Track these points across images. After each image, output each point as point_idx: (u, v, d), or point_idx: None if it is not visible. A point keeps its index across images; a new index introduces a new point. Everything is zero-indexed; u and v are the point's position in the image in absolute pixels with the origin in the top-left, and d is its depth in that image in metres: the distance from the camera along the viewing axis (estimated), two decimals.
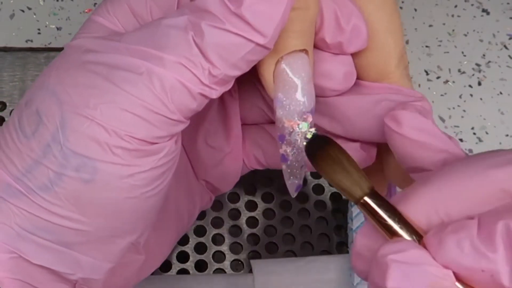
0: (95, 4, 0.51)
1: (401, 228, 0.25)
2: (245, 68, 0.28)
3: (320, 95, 0.32)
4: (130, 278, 0.34)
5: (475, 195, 0.24)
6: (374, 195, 0.26)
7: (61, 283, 0.29)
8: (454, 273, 0.24)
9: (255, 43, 0.27)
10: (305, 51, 0.29)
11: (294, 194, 0.32)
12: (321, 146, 0.28)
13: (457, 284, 0.24)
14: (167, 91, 0.26)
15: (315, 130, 0.30)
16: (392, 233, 0.25)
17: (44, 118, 0.27)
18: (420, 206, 0.25)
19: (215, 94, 0.28)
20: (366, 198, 0.26)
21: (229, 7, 0.26)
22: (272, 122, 0.38)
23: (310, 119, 0.30)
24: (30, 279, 0.28)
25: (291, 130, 0.30)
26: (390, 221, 0.25)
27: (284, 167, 0.31)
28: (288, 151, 0.30)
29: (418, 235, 0.25)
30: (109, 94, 0.27)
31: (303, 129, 0.30)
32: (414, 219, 0.25)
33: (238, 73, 0.28)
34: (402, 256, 0.24)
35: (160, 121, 0.27)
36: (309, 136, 0.30)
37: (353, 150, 0.33)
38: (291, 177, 0.31)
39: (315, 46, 0.31)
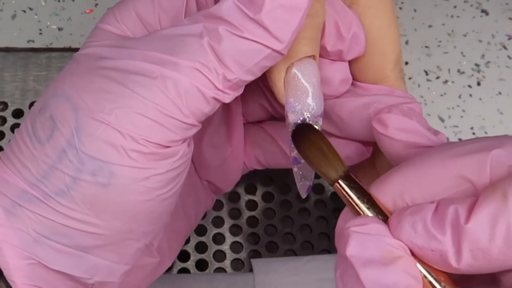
0: (96, 4, 0.51)
1: (368, 208, 0.27)
2: (258, 74, 0.28)
3: None
4: (144, 280, 0.34)
5: (436, 181, 0.26)
6: (348, 178, 0.28)
7: None
8: (413, 253, 0.25)
9: (272, 49, 0.27)
10: (313, 56, 0.30)
11: (304, 195, 0.33)
12: (304, 133, 0.30)
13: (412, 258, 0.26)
14: (182, 96, 0.27)
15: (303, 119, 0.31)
16: (360, 213, 0.27)
17: (58, 123, 0.27)
18: (388, 190, 0.27)
19: (228, 98, 0.28)
20: (340, 181, 0.28)
21: (247, 14, 0.26)
22: (273, 118, 0.38)
23: (320, 122, 0.30)
24: (47, 285, 0.28)
25: None
26: (359, 202, 0.27)
27: (295, 169, 0.32)
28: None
29: (384, 216, 0.27)
30: (124, 98, 0.27)
31: None
32: (383, 202, 0.27)
33: (251, 78, 0.28)
34: (362, 228, 0.26)
35: (174, 125, 0.27)
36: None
37: (350, 145, 0.34)
38: (302, 179, 0.32)
39: None
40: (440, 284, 0.25)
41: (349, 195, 0.28)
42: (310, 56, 0.30)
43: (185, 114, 0.27)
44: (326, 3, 0.30)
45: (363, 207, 0.27)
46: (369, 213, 0.27)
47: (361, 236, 0.25)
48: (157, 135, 0.27)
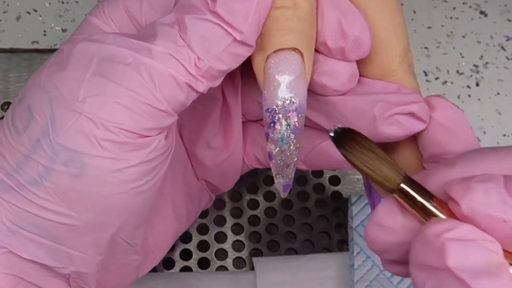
0: None
1: (437, 208, 0.25)
2: (230, 63, 0.28)
3: (321, 93, 0.31)
4: (127, 277, 0.34)
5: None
6: (409, 181, 0.26)
7: (55, 278, 0.29)
8: (476, 223, 0.23)
9: (233, 37, 0.27)
10: (297, 50, 0.29)
11: (283, 194, 0.31)
12: (349, 136, 0.27)
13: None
14: (155, 81, 0.27)
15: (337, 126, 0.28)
16: (429, 215, 0.25)
17: (35, 113, 0.27)
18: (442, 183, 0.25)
19: (201, 86, 0.28)
20: (403, 184, 0.25)
21: (209, 5, 0.27)
22: None
23: (294, 118, 0.29)
24: (23, 273, 0.28)
25: (274, 129, 0.29)
26: (427, 204, 0.25)
27: (271, 165, 0.31)
28: (272, 148, 0.30)
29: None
30: (97, 86, 0.27)
31: (283, 128, 0.29)
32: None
33: (224, 67, 0.28)
34: (455, 234, 0.23)
35: (148, 111, 0.27)
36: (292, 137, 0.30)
37: None
38: (278, 176, 0.31)
39: (319, 51, 0.30)
40: None
41: (415, 199, 0.25)
42: (292, 49, 0.29)
43: (158, 100, 0.27)
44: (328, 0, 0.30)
45: (433, 209, 0.25)
46: (440, 215, 0.25)
47: (459, 244, 0.23)
48: (130, 122, 0.27)
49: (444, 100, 0.30)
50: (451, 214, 0.24)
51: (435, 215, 0.25)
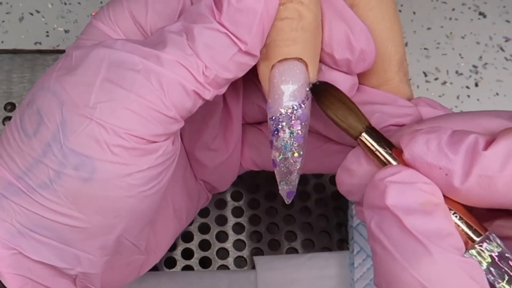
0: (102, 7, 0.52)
1: (394, 159, 0.28)
2: (236, 71, 0.28)
3: None
4: (130, 275, 0.35)
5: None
6: (372, 130, 0.29)
7: (62, 278, 0.30)
8: (418, 170, 0.26)
9: (238, 47, 0.28)
10: (300, 59, 0.29)
11: (287, 200, 0.32)
12: (325, 89, 0.30)
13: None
14: (164, 88, 0.27)
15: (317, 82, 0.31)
16: (385, 162, 0.28)
17: (45, 117, 0.28)
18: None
19: (208, 94, 0.28)
20: (365, 133, 0.29)
21: (215, 15, 0.27)
22: None
23: (297, 126, 0.30)
24: (31, 274, 0.29)
25: (278, 136, 0.30)
26: (384, 153, 0.28)
27: (275, 172, 0.31)
28: (276, 156, 0.31)
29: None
30: (108, 92, 0.27)
31: (287, 136, 0.30)
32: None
33: (229, 75, 0.28)
34: (397, 177, 0.26)
35: (157, 118, 0.27)
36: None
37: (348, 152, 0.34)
38: (281, 183, 0.31)
39: (324, 63, 0.31)
40: (468, 226, 0.26)
41: (374, 147, 0.28)
42: (296, 59, 0.29)
43: (167, 107, 0.27)
44: (334, 11, 0.30)
45: (389, 157, 0.28)
46: (394, 162, 0.27)
47: (398, 185, 0.26)
48: (139, 128, 0.27)
49: (422, 107, 0.31)
50: (406, 163, 0.27)
51: (390, 162, 0.28)
